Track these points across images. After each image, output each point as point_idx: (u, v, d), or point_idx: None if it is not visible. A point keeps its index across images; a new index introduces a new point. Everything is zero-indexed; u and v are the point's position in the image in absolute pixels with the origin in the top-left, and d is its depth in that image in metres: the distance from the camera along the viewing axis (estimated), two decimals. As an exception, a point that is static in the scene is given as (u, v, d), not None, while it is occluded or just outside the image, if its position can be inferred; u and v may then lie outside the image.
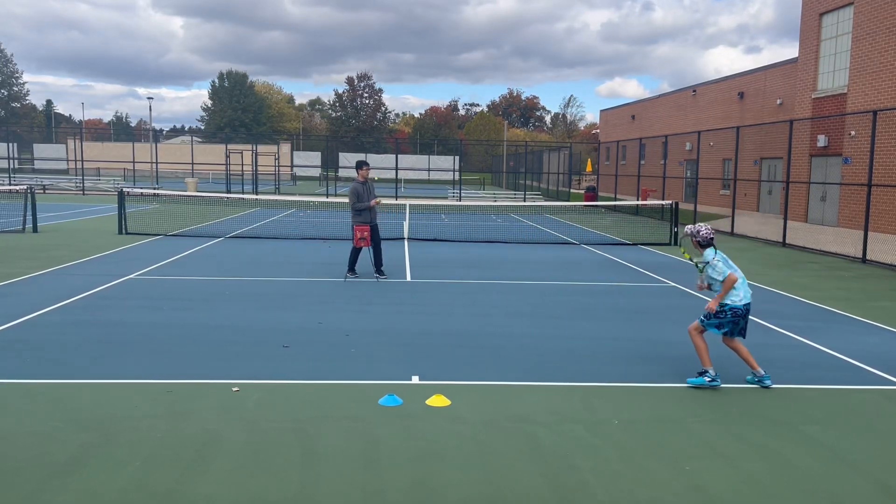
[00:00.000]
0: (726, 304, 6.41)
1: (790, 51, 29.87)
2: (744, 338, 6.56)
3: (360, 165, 12.01)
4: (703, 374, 6.46)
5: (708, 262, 6.46)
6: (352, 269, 12.08)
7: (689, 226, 6.69)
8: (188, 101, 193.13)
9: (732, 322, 6.44)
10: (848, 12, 24.23)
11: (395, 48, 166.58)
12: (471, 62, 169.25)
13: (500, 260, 14.99)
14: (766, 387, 6.48)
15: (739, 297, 6.40)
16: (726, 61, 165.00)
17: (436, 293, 10.96)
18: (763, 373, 6.52)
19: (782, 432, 5.43)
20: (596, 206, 33.82)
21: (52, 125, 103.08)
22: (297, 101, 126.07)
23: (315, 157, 75.02)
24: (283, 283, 11.47)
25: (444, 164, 72.01)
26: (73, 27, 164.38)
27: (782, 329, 8.93)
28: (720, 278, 6.41)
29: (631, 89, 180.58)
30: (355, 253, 12.06)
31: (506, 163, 66.08)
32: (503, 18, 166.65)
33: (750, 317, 9.49)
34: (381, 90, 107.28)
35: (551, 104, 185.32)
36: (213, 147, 68.29)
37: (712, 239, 6.53)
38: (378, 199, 12.07)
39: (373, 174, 12.25)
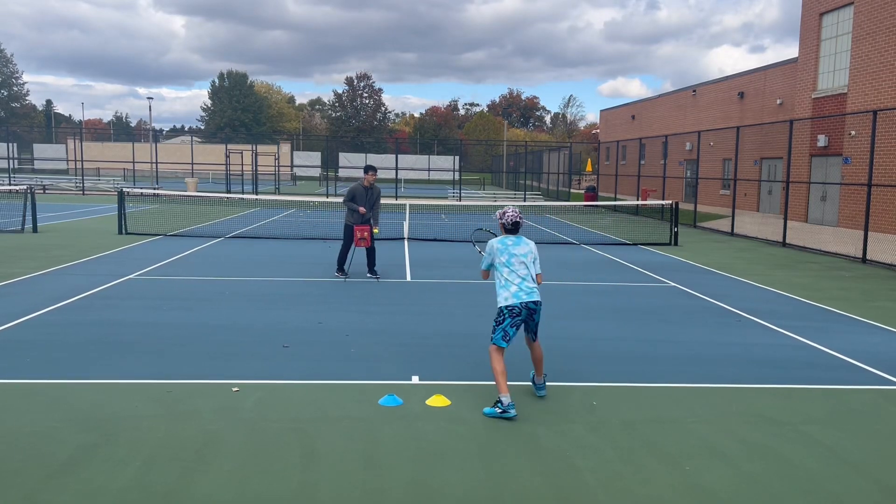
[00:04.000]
0: (501, 306, 5.74)
1: (794, 50, 29.86)
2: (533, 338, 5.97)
3: (367, 170, 11.87)
4: (497, 402, 5.60)
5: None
6: (341, 268, 12.08)
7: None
8: (188, 100, 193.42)
9: (511, 325, 5.72)
10: (848, 12, 24.23)
11: (397, 47, 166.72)
12: (473, 62, 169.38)
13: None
14: (541, 396, 6.01)
15: (505, 296, 5.74)
16: (730, 61, 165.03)
17: (436, 293, 10.96)
18: (541, 381, 6.03)
19: (782, 432, 5.43)
20: (596, 206, 33.81)
21: (51, 125, 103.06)
22: (299, 101, 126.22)
23: (315, 157, 74.98)
24: (283, 283, 11.47)
25: (444, 164, 72.00)
26: (74, 27, 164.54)
27: (782, 329, 8.94)
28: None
29: (634, 89, 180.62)
30: (345, 252, 12.07)
31: (506, 163, 66.09)
32: (507, 17, 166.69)
33: (749, 316, 9.60)
34: (380, 90, 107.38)
35: (552, 104, 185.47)
36: (213, 147, 68.28)
37: (511, 224, 5.87)
38: (376, 229, 11.73)
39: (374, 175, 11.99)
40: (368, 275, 12.10)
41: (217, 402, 5.78)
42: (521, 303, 5.68)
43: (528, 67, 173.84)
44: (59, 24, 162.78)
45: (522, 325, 5.83)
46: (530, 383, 6.30)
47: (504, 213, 5.94)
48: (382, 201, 12.85)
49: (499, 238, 5.93)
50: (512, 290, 5.73)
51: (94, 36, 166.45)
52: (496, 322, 5.78)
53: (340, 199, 12.19)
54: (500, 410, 5.54)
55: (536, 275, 5.85)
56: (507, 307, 5.72)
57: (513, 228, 5.91)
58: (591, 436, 5.27)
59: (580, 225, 24.78)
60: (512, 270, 5.76)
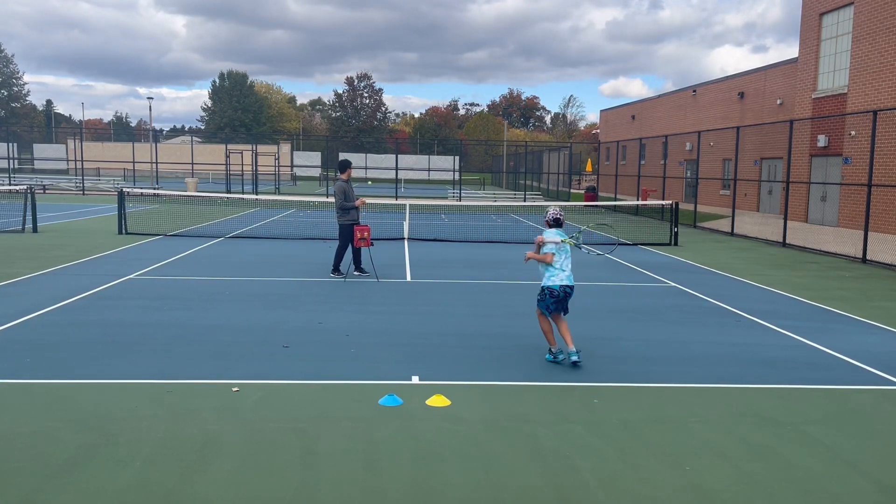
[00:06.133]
0: (544, 286, 7.05)
1: (796, 50, 29.50)
2: (565, 314, 7.18)
3: (347, 166, 12.37)
4: (549, 351, 7.17)
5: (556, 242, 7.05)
6: (337, 268, 12.11)
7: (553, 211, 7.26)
8: (188, 100, 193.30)
9: (553, 301, 7.04)
10: (848, 12, 24.24)
11: (399, 47, 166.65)
12: (474, 61, 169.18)
13: (500, 260, 14.99)
14: (575, 363, 6.88)
15: (554, 281, 7.03)
16: (732, 60, 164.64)
17: (436, 293, 10.96)
18: (574, 349, 6.91)
19: (782, 432, 5.43)
20: (596, 206, 33.81)
21: (52, 125, 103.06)
22: (300, 101, 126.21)
23: (315, 158, 75.01)
24: (283, 283, 11.47)
25: (444, 165, 71.99)
26: (74, 26, 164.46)
27: (782, 329, 8.94)
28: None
29: (635, 89, 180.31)
30: (342, 252, 12.11)
31: (506, 163, 66.09)
32: (509, 17, 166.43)
33: (749, 316, 9.62)
34: (380, 90, 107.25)
35: (553, 104, 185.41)
36: (213, 147, 68.25)
37: (557, 220, 7.16)
38: (362, 200, 12.39)
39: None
40: (355, 273, 12.10)
41: (217, 402, 5.78)
42: (561, 286, 6.99)
43: (530, 67, 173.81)
44: (59, 24, 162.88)
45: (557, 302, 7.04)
46: (550, 359, 7.15)
47: (547, 212, 7.28)
48: (381, 201, 13.30)
49: (554, 230, 7.10)
50: (561, 276, 7.01)
51: (94, 36, 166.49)
52: (540, 298, 7.11)
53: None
54: (551, 357, 7.09)
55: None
56: (548, 288, 7.01)
57: (555, 224, 7.14)
58: (591, 436, 5.27)
59: (580, 225, 24.75)
60: (566, 259, 7.06)
